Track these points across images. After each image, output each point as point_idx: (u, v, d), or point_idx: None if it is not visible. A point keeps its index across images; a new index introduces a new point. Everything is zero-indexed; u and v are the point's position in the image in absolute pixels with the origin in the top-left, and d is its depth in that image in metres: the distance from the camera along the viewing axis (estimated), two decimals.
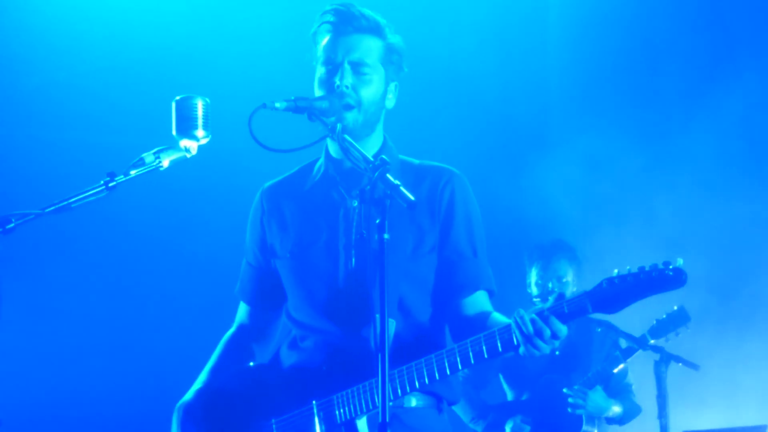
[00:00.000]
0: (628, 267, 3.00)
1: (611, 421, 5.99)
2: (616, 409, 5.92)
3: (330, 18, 3.39)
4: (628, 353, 5.77)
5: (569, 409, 5.81)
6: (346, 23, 3.38)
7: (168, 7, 6.76)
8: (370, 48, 3.38)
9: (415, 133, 5.76)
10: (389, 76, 3.42)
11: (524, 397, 6.14)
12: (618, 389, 6.05)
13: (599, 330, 5.96)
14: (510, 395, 6.25)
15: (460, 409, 6.20)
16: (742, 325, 7.00)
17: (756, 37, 7.08)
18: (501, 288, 3.49)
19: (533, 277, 6.25)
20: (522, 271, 6.42)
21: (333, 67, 3.35)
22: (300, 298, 3.44)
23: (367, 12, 3.41)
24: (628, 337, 5.76)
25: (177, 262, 6.89)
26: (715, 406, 6.93)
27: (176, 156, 3.08)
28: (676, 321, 5.64)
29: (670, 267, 2.97)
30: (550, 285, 6.15)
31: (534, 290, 6.22)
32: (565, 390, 5.81)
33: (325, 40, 3.40)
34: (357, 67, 3.34)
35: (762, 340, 6.95)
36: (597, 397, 5.83)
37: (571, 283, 6.17)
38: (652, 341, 5.66)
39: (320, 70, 3.38)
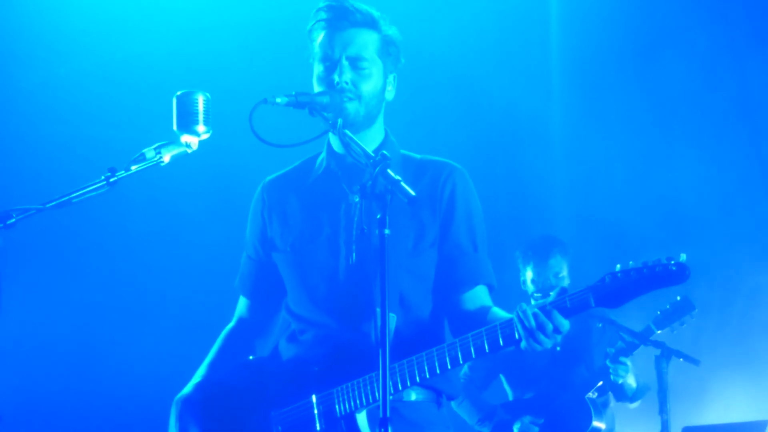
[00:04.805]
0: (630, 262, 3.00)
1: (622, 396, 5.98)
2: (631, 381, 5.94)
3: (324, 14, 3.39)
4: (630, 349, 5.76)
5: (612, 377, 5.78)
6: (340, 18, 3.37)
7: (169, 3, 6.76)
8: (366, 42, 3.37)
9: (417, 128, 5.76)
10: (387, 68, 3.42)
11: (528, 396, 6.13)
12: None
13: (599, 325, 5.96)
14: (511, 395, 6.25)
15: (465, 412, 6.20)
16: (743, 320, 7.00)
17: (758, 32, 7.07)
18: (501, 283, 3.49)
19: (529, 275, 6.22)
20: None
21: (331, 63, 3.34)
22: (300, 292, 3.44)
23: (361, 6, 3.40)
24: (629, 332, 5.75)
25: (177, 257, 6.89)
26: (716, 401, 6.94)
27: (177, 151, 3.08)
28: (680, 310, 5.63)
29: (673, 262, 2.96)
30: (547, 282, 6.14)
31: (530, 287, 6.20)
32: (607, 362, 5.79)
33: (320, 37, 3.39)
34: (355, 62, 3.34)
35: (763, 335, 6.95)
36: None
37: (567, 277, 6.17)
38: (658, 332, 5.65)
39: (318, 68, 3.37)
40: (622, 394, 6.01)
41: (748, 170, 7.03)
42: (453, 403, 6.18)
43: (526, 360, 5.86)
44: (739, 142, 7.06)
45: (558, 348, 6.02)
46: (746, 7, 7.09)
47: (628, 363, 5.79)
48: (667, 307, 5.66)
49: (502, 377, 6.28)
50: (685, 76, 7.14)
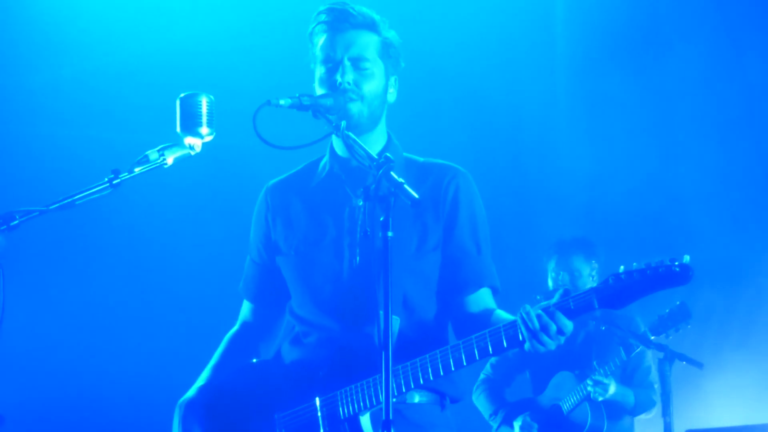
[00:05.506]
0: (634, 263, 2.99)
1: (622, 411, 5.97)
2: (627, 397, 5.92)
3: (325, 17, 3.41)
4: (630, 351, 5.76)
5: (592, 395, 5.79)
6: (341, 20, 3.39)
7: (173, 4, 6.77)
8: (367, 43, 3.39)
9: (420, 131, 5.76)
10: (389, 70, 3.44)
11: (533, 395, 6.17)
12: (640, 383, 6.04)
13: (603, 328, 5.95)
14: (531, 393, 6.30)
15: (481, 405, 6.31)
16: (746, 323, 7.00)
17: (761, 30, 7.06)
18: (505, 285, 3.49)
19: (549, 270, 6.27)
20: (526, 267, 6.43)
21: (333, 65, 3.35)
22: (304, 294, 3.44)
23: (362, 9, 3.42)
24: (634, 335, 5.75)
25: (180, 260, 6.90)
26: (719, 404, 6.93)
27: (180, 153, 3.08)
28: (676, 318, 5.61)
29: (677, 263, 2.95)
30: (560, 277, 6.15)
31: (550, 284, 6.23)
32: (588, 380, 5.79)
33: (322, 39, 3.41)
34: (357, 63, 3.35)
35: (766, 338, 6.94)
36: (614, 385, 5.83)
37: (589, 278, 6.15)
38: (652, 338, 5.64)
39: (320, 69, 3.39)
40: (620, 409, 5.98)
41: (752, 172, 7.03)
42: (473, 396, 6.28)
43: (545, 359, 5.88)
44: (744, 144, 7.06)
45: (576, 347, 6.05)
46: (749, 7, 7.08)
47: (609, 382, 5.77)
48: (666, 312, 5.64)
49: (528, 374, 6.33)
50: (689, 77, 7.14)
